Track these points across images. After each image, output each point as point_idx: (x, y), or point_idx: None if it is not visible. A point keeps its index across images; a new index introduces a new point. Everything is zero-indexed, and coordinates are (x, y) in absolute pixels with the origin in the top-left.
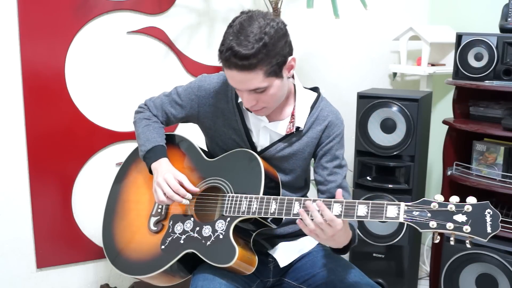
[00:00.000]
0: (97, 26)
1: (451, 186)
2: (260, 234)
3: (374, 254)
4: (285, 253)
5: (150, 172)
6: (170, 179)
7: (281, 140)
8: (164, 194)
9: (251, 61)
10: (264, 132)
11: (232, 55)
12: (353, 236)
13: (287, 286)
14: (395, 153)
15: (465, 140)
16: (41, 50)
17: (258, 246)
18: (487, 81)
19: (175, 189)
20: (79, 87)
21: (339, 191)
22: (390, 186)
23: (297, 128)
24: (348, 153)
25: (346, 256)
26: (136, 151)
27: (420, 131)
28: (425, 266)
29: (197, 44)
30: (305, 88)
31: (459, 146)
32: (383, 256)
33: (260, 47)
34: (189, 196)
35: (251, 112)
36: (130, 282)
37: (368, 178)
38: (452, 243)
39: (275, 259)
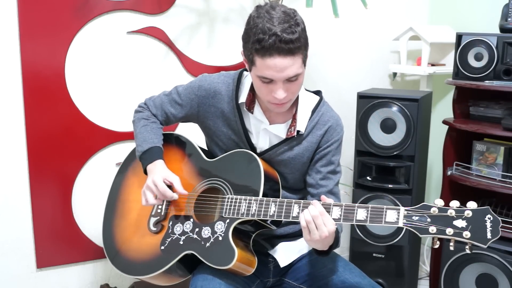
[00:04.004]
0: (97, 26)
1: (451, 186)
2: (260, 235)
3: (374, 254)
4: (285, 253)
5: (145, 173)
6: (158, 181)
7: (281, 143)
8: (155, 197)
9: (296, 44)
10: (264, 135)
11: (278, 40)
12: (336, 238)
13: (287, 286)
14: (395, 153)
15: (465, 140)
16: (41, 50)
17: (258, 246)
18: (487, 81)
19: (162, 191)
20: (79, 87)
21: (323, 197)
22: (390, 186)
23: (297, 132)
24: (348, 153)
25: (346, 256)
26: (135, 150)
27: (420, 131)
28: (425, 266)
29: (197, 44)
30: (307, 90)
31: (459, 146)
32: (383, 256)
33: (300, 31)
34: (176, 196)
35: (248, 110)
36: (130, 282)
37: (368, 178)
38: (451, 248)
39: (275, 259)
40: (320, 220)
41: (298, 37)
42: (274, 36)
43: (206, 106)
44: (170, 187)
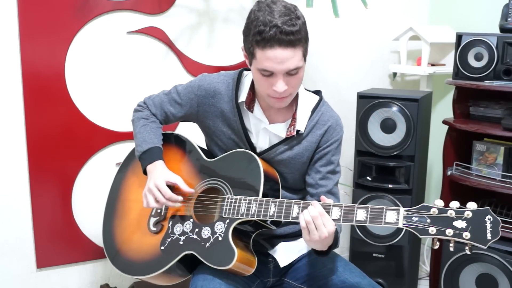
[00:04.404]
0: (97, 26)
1: (451, 186)
2: (260, 235)
3: (374, 254)
4: (285, 253)
5: (145, 173)
6: (162, 186)
7: (280, 143)
8: (156, 201)
9: (296, 36)
10: (264, 134)
11: (278, 31)
12: (336, 238)
13: (287, 286)
14: (395, 153)
15: (465, 140)
16: (41, 50)
17: (258, 246)
18: (487, 81)
19: (167, 196)
20: (79, 87)
21: (323, 197)
22: (390, 186)
23: (297, 131)
24: (348, 153)
25: (346, 256)
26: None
27: (420, 131)
28: (425, 266)
29: (197, 44)
30: (307, 90)
31: (459, 146)
32: (383, 256)
33: (301, 24)
34: (180, 198)
35: (248, 109)
36: (130, 282)
37: (368, 178)
38: (451, 249)
39: (275, 259)
40: (319, 220)
41: (298, 29)
42: (274, 28)
43: (206, 106)
44: (171, 187)
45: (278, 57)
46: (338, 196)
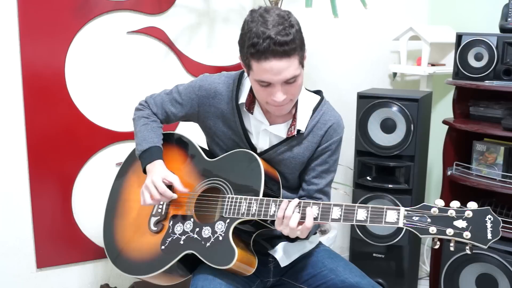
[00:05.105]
0: (97, 26)
1: (451, 186)
2: (260, 235)
3: (374, 254)
4: (285, 253)
5: (144, 172)
6: (157, 181)
7: (281, 143)
8: (152, 197)
9: (291, 46)
10: (264, 135)
11: (272, 43)
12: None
13: (288, 286)
14: (395, 153)
15: (465, 140)
16: (41, 50)
17: (259, 246)
18: (487, 81)
19: (161, 191)
20: (79, 87)
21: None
22: (390, 186)
23: (298, 131)
24: (348, 153)
25: (346, 256)
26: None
27: (420, 131)
28: (425, 266)
29: (197, 44)
30: (308, 90)
31: (459, 146)
32: (383, 256)
33: (295, 32)
34: (175, 196)
35: (248, 110)
36: (130, 282)
37: (368, 178)
38: (452, 248)
39: (275, 259)
40: (286, 221)
41: (292, 38)
42: (268, 39)
43: (206, 106)
44: (170, 186)
45: (274, 68)
46: (329, 195)
